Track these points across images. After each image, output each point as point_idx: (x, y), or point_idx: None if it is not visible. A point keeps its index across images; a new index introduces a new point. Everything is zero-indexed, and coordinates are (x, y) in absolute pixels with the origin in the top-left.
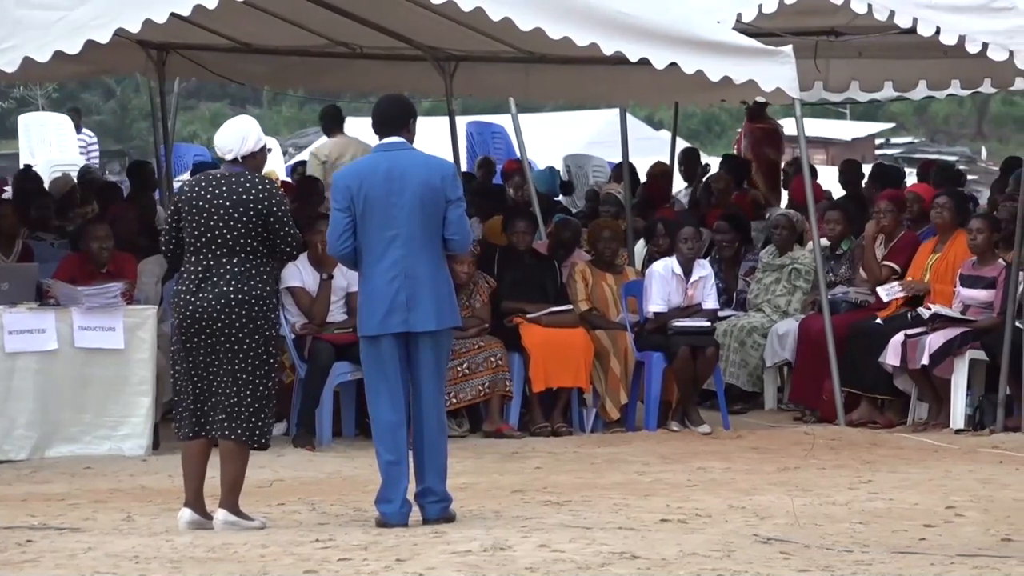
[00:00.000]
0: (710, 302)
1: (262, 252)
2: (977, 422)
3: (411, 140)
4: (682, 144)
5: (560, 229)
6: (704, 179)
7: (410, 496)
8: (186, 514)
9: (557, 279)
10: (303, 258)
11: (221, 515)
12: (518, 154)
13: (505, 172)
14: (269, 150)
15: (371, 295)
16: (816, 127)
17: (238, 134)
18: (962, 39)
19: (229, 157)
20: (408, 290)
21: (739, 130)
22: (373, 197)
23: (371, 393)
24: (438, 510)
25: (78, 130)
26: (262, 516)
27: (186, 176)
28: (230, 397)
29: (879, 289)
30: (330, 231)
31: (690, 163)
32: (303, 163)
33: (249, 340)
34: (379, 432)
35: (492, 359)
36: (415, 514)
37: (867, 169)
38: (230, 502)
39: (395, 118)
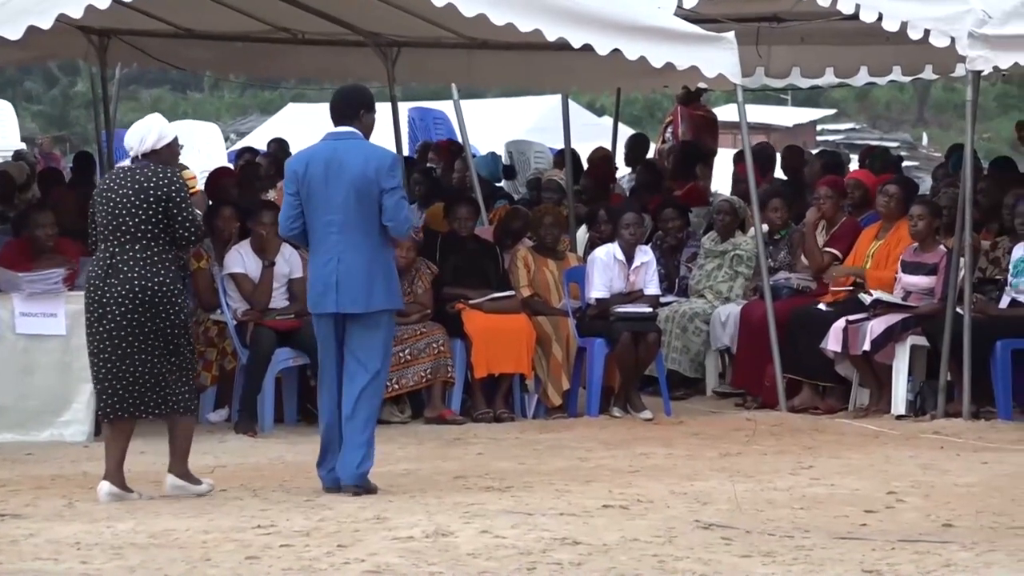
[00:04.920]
0: (652, 288)
1: (164, 239)
2: (918, 408)
3: (365, 130)
4: (624, 130)
5: (511, 218)
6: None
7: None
8: (105, 486)
9: (499, 265)
10: (245, 244)
11: (171, 480)
12: (460, 140)
13: (438, 147)
14: (181, 146)
15: (312, 276)
16: (758, 113)
17: (137, 135)
18: (904, 25)
19: (131, 155)
20: (340, 274)
21: (668, 116)
22: (315, 183)
23: (319, 365)
24: (352, 478)
25: None
26: (209, 480)
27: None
28: (148, 379)
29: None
30: (281, 213)
31: (636, 149)
32: (248, 149)
33: (152, 327)
34: (319, 399)
35: (434, 345)
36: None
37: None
38: (180, 468)
39: (346, 108)
